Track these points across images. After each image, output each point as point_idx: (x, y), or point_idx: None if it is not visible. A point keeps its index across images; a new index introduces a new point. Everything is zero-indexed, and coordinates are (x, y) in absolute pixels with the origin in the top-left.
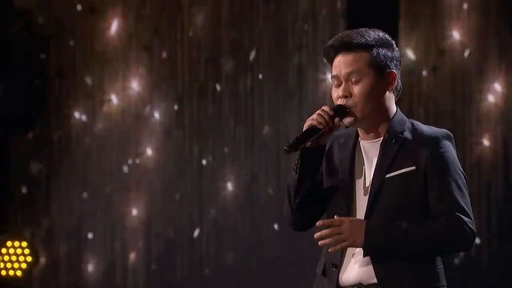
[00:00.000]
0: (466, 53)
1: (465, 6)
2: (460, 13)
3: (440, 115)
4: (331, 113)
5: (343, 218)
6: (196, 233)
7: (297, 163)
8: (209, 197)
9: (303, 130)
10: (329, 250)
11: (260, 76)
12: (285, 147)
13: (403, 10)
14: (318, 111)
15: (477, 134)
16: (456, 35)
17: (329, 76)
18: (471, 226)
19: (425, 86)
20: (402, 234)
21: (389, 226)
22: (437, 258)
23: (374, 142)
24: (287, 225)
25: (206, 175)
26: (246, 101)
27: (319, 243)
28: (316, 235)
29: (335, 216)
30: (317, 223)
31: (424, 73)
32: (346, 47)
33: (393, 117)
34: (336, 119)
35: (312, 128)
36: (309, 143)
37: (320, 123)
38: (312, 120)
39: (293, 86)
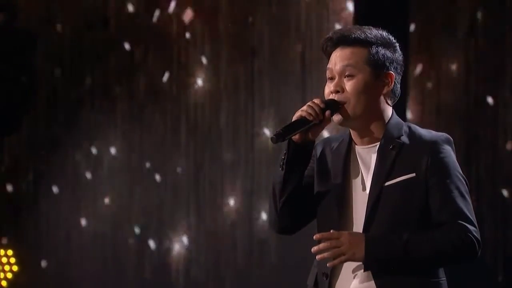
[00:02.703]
0: None
1: None
2: None
3: None
4: (322, 105)
5: (341, 231)
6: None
7: (284, 158)
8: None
9: (292, 120)
10: (328, 264)
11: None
12: (272, 135)
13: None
14: (309, 103)
15: None
16: None
17: None
18: (475, 235)
19: None
20: (404, 247)
21: (390, 238)
22: (440, 270)
23: (370, 147)
24: (271, 227)
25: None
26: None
27: (317, 257)
28: (314, 249)
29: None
30: (314, 237)
31: None
32: (345, 41)
33: (388, 121)
34: (327, 112)
35: (301, 119)
36: (297, 136)
37: (310, 114)
38: (301, 111)
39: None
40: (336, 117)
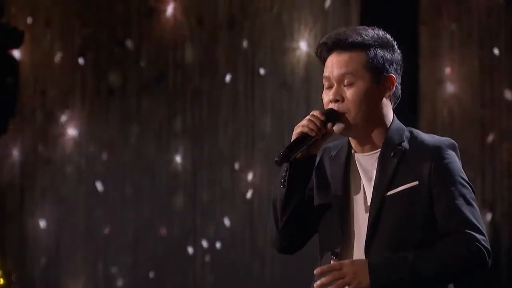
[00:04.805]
0: None
1: None
2: None
3: None
4: (322, 118)
5: (343, 261)
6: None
7: (285, 176)
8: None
9: (293, 138)
10: None
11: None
12: (276, 158)
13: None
14: (308, 117)
15: None
16: None
17: None
18: (485, 244)
19: None
20: (410, 268)
21: (395, 262)
22: (450, 285)
23: (370, 155)
24: (271, 246)
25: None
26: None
27: None
28: (317, 284)
29: (331, 260)
30: (315, 271)
31: None
32: (341, 45)
33: (389, 126)
34: (329, 125)
35: (303, 136)
36: (299, 153)
37: (311, 130)
38: (302, 127)
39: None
40: (337, 127)
